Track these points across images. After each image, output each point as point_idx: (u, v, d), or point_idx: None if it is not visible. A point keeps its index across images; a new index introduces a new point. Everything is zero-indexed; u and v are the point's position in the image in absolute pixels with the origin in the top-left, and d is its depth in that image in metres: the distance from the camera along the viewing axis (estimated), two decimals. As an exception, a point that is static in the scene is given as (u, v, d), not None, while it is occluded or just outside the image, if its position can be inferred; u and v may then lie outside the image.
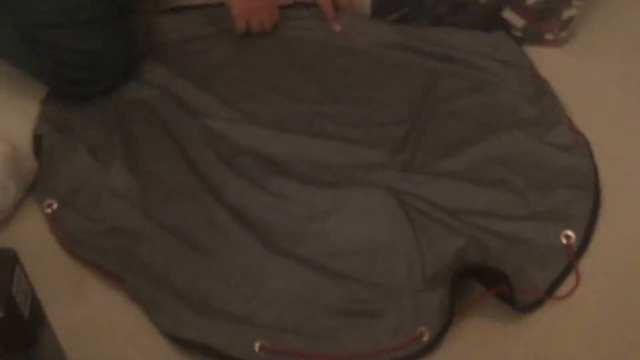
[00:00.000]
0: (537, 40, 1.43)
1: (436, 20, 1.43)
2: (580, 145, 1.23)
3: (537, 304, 1.02)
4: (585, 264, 1.07)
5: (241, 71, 1.37)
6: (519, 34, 1.43)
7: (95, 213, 1.11)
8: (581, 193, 1.15)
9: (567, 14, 1.39)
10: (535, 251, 1.07)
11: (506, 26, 1.42)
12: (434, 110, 1.29)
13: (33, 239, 1.08)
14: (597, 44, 1.45)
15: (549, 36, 1.43)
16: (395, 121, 1.27)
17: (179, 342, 0.96)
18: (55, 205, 1.12)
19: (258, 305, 1.00)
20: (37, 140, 1.21)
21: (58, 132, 1.22)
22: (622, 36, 1.47)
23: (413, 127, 1.25)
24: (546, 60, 1.40)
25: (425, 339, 0.96)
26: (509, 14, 1.40)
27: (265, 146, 1.22)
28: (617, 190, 1.17)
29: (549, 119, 1.28)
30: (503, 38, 1.41)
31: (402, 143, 1.22)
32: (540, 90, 1.33)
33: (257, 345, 0.96)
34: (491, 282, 1.00)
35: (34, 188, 1.15)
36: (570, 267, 1.06)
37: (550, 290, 1.04)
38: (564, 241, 1.09)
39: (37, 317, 0.80)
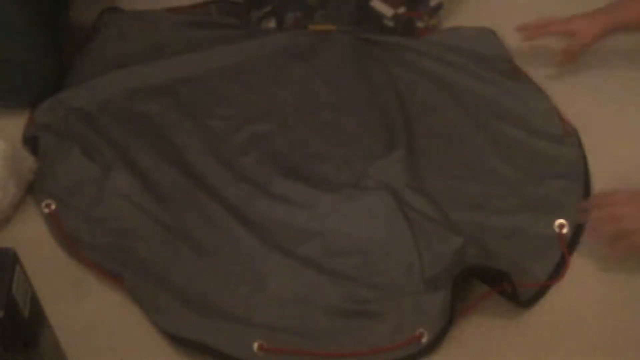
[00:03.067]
0: (409, 28, 1.44)
1: (308, 11, 1.44)
2: (570, 135, 1.25)
3: (538, 296, 1.02)
4: (583, 261, 1.07)
5: (237, 63, 1.37)
6: (390, 23, 1.44)
7: (94, 213, 1.11)
8: (572, 182, 1.17)
9: (434, 0, 1.42)
10: (531, 243, 1.08)
11: (377, 16, 1.43)
12: (422, 102, 1.30)
13: (33, 239, 1.08)
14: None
15: (420, 24, 1.44)
16: (388, 111, 1.28)
17: (178, 341, 0.97)
18: (53, 206, 1.12)
19: (257, 304, 1.01)
20: (34, 141, 1.21)
21: (52, 134, 1.22)
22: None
23: (405, 118, 1.26)
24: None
25: (424, 340, 0.97)
26: (377, 4, 1.42)
27: (265, 142, 1.22)
28: (606, 180, 1.18)
29: (535, 110, 1.29)
30: (485, 33, 1.43)
31: (397, 133, 1.24)
32: (523, 83, 1.34)
33: (255, 344, 0.96)
34: (493, 281, 1.01)
35: (33, 188, 1.15)
36: (568, 253, 1.07)
37: (549, 280, 1.05)
38: (557, 230, 1.10)
39: (37, 317, 0.81)
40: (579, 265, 1.07)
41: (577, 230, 1.11)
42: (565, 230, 1.10)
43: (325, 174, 1.18)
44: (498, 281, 1.00)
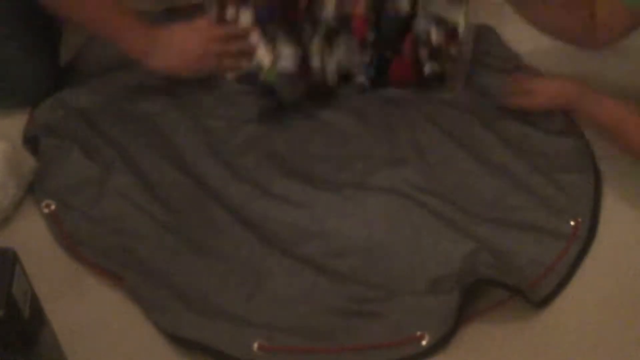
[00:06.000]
0: None
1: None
2: (574, 128, 1.26)
3: (551, 296, 1.02)
4: (585, 265, 1.07)
5: None
6: None
7: (95, 213, 1.11)
8: (582, 176, 1.17)
9: None
10: (546, 240, 1.08)
11: None
12: (426, 101, 1.30)
13: (33, 239, 1.08)
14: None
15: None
16: (389, 111, 1.28)
17: (179, 341, 0.96)
18: (53, 206, 1.12)
19: (257, 304, 1.01)
20: (35, 141, 1.21)
21: (51, 135, 1.22)
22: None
23: (407, 117, 1.26)
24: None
25: (425, 342, 0.96)
26: None
27: (265, 142, 1.22)
28: (614, 178, 1.19)
29: None
30: (485, 30, 1.43)
31: (399, 133, 1.24)
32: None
33: (255, 344, 0.96)
34: (504, 288, 1.01)
35: (33, 188, 1.15)
36: (583, 252, 1.08)
37: (567, 277, 1.05)
38: (572, 223, 1.10)
39: (37, 317, 0.81)
40: (588, 270, 1.07)
41: (592, 228, 1.11)
42: (580, 225, 1.10)
43: (325, 174, 1.18)
44: (511, 290, 1.00)
